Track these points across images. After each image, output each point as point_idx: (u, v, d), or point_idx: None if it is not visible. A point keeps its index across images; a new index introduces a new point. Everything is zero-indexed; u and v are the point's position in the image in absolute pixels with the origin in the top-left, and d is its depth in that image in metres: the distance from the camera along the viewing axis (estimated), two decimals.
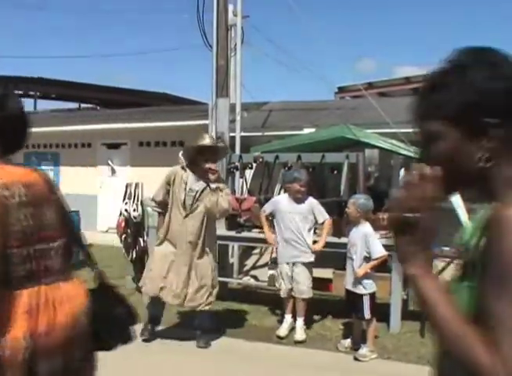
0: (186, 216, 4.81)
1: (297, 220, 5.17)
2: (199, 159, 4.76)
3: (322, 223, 5.27)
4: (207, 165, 4.74)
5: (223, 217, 4.90)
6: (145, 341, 4.96)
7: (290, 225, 5.19)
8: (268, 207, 5.42)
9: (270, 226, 5.41)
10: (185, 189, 4.81)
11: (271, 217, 5.39)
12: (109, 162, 13.05)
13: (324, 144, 7.38)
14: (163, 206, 4.98)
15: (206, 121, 8.35)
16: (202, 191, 4.80)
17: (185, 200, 4.80)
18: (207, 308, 4.91)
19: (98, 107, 21.38)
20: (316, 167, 6.59)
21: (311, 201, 5.28)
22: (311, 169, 6.47)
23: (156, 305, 5.06)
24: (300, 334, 5.16)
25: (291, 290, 5.27)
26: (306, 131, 9.35)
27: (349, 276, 4.81)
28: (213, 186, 4.76)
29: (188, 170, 4.87)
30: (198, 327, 5.01)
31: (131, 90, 19.59)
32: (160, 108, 14.84)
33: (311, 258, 5.22)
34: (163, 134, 11.41)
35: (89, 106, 21.77)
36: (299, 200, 5.20)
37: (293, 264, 5.22)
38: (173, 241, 4.88)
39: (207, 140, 4.79)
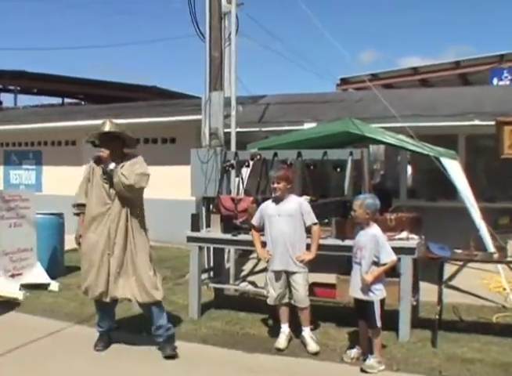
0: (112, 202, 4.96)
1: (285, 223, 5.15)
2: (101, 145, 5.04)
3: (309, 228, 5.19)
4: (96, 153, 5.02)
5: (132, 193, 4.87)
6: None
7: (278, 228, 5.17)
8: (256, 216, 5.42)
9: (261, 240, 5.39)
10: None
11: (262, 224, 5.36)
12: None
13: (326, 140, 7.34)
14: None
15: (199, 116, 8.32)
16: (108, 176, 4.95)
17: (103, 186, 5.01)
18: (158, 298, 4.94)
19: (83, 102, 21.35)
20: (318, 164, 6.54)
21: (300, 201, 5.27)
22: (312, 167, 6.47)
23: (106, 309, 5.16)
24: (312, 345, 5.13)
25: (282, 297, 5.27)
26: (306, 126, 9.35)
27: (355, 283, 4.78)
28: (109, 167, 4.90)
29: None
30: (156, 329, 5.02)
31: (118, 84, 19.58)
32: (149, 103, 14.85)
33: (304, 268, 5.18)
34: (153, 130, 11.38)
35: (73, 101, 21.73)
36: (281, 200, 5.18)
37: (285, 271, 5.20)
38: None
39: (105, 127, 5.00)
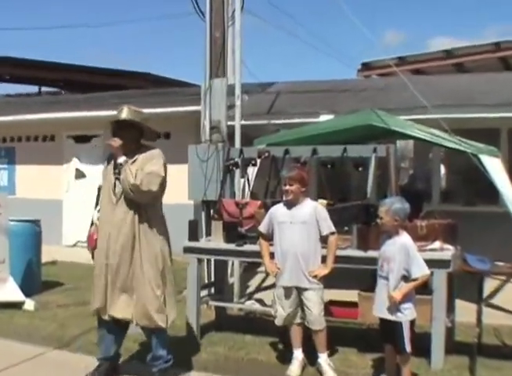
0: (116, 204, 4.91)
1: (297, 230, 5.16)
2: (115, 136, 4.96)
3: (326, 238, 5.20)
4: (106, 141, 5.00)
5: (138, 195, 4.78)
6: None
7: (288, 237, 5.18)
8: (264, 222, 5.43)
9: (269, 250, 5.40)
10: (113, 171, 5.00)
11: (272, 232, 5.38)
12: (77, 159, 13.07)
13: (345, 134, 7.35)
14: None
15: (198, 107, 8.34)
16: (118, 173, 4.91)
17: (115, 185, 4.94)
18: (161, 325, 4.83)
19: (63, 91, 21.40)
20: (336, 163, 6.55)
21: (315, 205, 5.28)
22: (329, 166, 6.51)
23: (107, 330, 5.00)
24: (330, 374, 5.14)
25: (293, 317, 5.28)
26: (323, 118, 9.40)
27: (381, 301, 4.78)
28: (119, 160, 4.86)
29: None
30: (152, 359, 4.97)
31: (104, 70, 19.60)
32: (141, 91, 14.88)
33: (318, 284, 5.19)
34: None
35: (52, 89, 21.78)
36: (293, 205, 5.20)
37: (297, 288, 5.22)
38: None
39: (122, 114, 4.94)
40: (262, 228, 5.43)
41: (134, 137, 4.97)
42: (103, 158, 11.03)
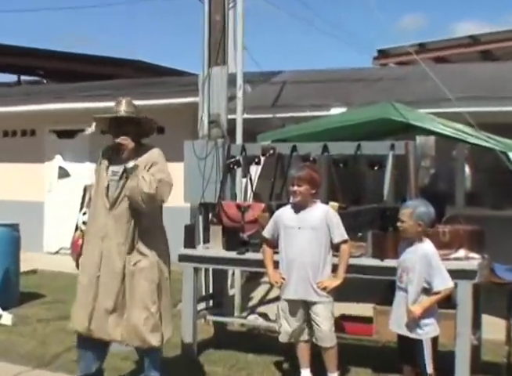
0: (111, 209, 4.89)
1: (305, 237, 5.15)
2: (111, 133, 5.00)
3: (337, 246, 5.20)
4: (117, 140, 4.88)
5: (149, 205, 4.78)
6: None
7: (296, 244, 5.18)
8: (269, 226, 5.42)
9: (273, 258, 5.40)
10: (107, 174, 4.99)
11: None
12: (60, 156, 13.07)
13: (359, 129, 7.38)
14: None
15: (195, 99, 8.34)
16: (122, 174, 4.90)
17: (108, 188, 4.92)
18: (155, 345, 4.81)
19: (44, 80, 21.40)
20: (349, 161, 6.53)
21: (326, 209, 5.28)
22: (341, 164, 6.48)
23: (87, 345, 4.97)
24: None
25: (300, 333, 5.28)
26: (334, 111, 9.41)
27: (399, 315, 4.77)
28: (129, 165, 4.80)
29: (110, 149, 5.09)
30: None
31: (90, 57, 19.60)
32: (131, 81, 14.87)
33: (328, 297, 5.18)
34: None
35: (32, 78, 21.78)
36: (302, 208, 5.19)
37: (304, 301, 5.21)
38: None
39: (121, 107, 4.95)
40: (266, 233, 5.42)
41: (135, 135, 4.95)
42: (89, 156, 11.06)
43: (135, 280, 4.79)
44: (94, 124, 5.22)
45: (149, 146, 5.01)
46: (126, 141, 4.85)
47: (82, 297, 4.89)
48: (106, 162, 5.00)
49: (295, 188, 5.16)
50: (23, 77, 21.42)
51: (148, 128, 5.11)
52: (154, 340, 4.77)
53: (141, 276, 4.79)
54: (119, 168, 4.91)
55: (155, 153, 4.96)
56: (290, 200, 5.36)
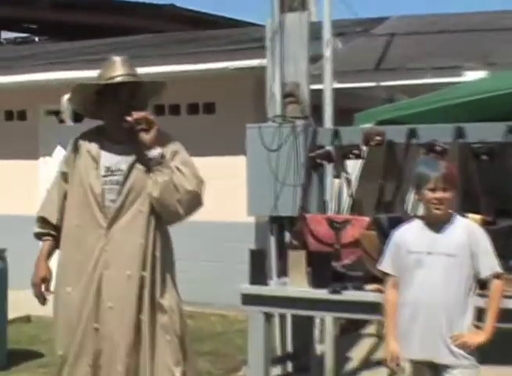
0: (110, 227, 4.91)
1: (439, 269, 4.99)
2: (111, 108, 4.95)
3: (485, 282, 5.05)
4: (129, 118, 4.86)
5: (190, 212, 4.92)
6: None
7: (425, 280, 5.02)
8: (389, 257, 5.25)
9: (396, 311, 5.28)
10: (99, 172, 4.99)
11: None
12: (62, 148, 13.08)
13: (510, 105, 7.23)
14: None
15: (262, 60, 8.50)
16: (129, 170, 4.94)
17: (103, 195, 4.94)
18: None
19: (36, 38, 21.71)
20: (496, 152, 6.47)
21: (469, 226, 5.12)
22: (485, 156, 6.41)
23: None
24: None
25: None
26: (469, 76, 9.41)
27: None
28: (152, 154, 4.84)
29: (95, 135, 5.11)
30: None
31: (102, 2, 19.74)
32: (162, 36, 14.94)
33: (469, 360, 4.98)
34: (173, 89, 11.37)
35: (20, 35, 22.12)
36: (437, 224, 5.03)
37: (432, 364, 5.07)
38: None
39: (116, 71, 5.00)
40: (387, 266, 5.24)
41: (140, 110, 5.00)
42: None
43: (152, 333, 4.90)
44: (66, 97, 5.20)
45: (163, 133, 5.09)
46: (149, 116, 4.89)
47: (76, 355, 4.93)
48: (90, 156, 5.00)
49: (439, 194, 4.94)
50: (4, 34, 21.76)
51: (145, 101, 5.17)
52: None
53: (160, 329, 4.92)
54: (120, 162, 4.96)
55: (171, 138, 5.07)
56: (418, 213, 5.20)
